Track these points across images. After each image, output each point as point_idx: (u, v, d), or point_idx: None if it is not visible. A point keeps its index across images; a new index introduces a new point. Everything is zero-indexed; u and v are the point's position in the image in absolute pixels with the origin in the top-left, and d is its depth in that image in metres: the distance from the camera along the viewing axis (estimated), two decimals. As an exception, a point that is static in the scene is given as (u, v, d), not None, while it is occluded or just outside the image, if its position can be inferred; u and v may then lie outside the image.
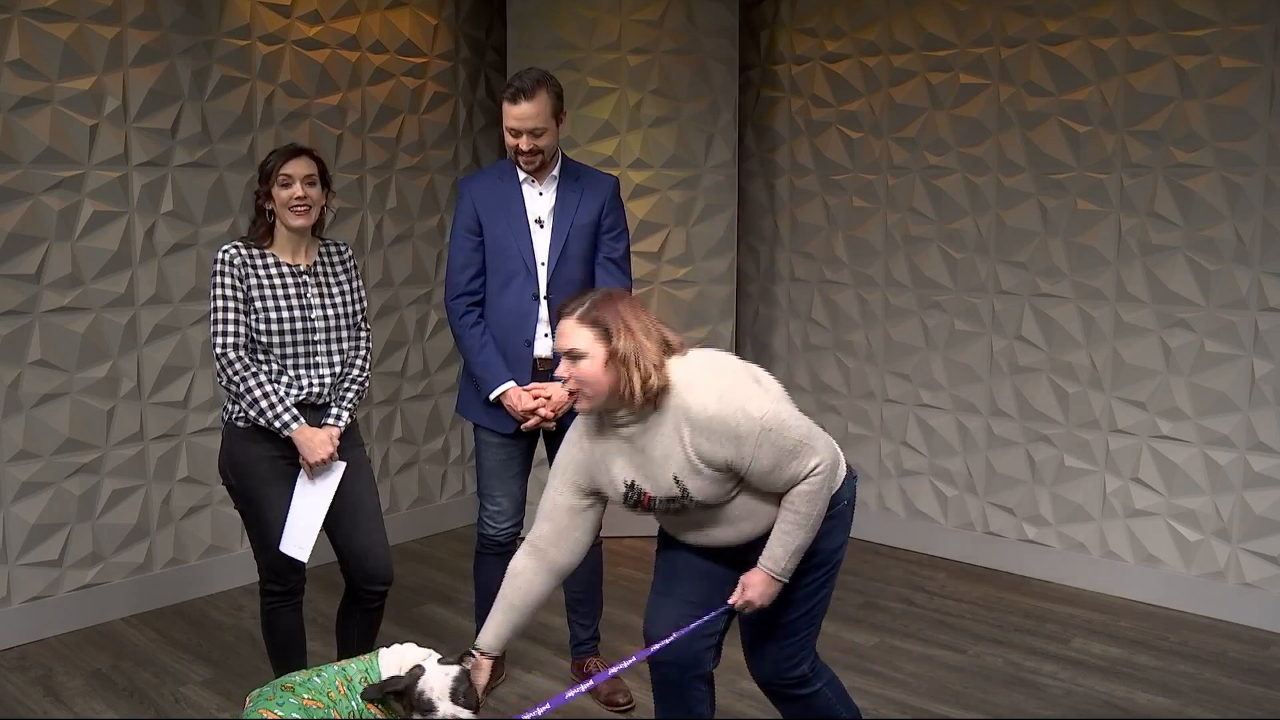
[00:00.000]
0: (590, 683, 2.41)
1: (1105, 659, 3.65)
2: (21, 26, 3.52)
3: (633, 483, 2.30)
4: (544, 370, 3.15)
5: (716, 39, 4.71)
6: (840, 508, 2.40)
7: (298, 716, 2.16)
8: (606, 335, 2.19)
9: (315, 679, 2.28)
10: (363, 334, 2.99)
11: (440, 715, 2.25)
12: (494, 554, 3.30)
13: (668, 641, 2.38)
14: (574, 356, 2.21)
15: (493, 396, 3.12)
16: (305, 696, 2.20)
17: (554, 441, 3.25)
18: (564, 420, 3.16)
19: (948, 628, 3.92)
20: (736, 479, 2.27)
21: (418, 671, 2.29)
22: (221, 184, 4.07)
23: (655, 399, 2.21)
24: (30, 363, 3.66)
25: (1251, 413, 3.84)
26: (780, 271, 5.07)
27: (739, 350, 5.08)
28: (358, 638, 3.13)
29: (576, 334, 2.21)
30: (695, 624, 2.39)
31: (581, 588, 3.38)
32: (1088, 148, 4.08)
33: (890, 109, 4.58)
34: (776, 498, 2.29)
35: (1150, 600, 4.11)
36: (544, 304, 3.14)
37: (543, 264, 3.13)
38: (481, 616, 3.37)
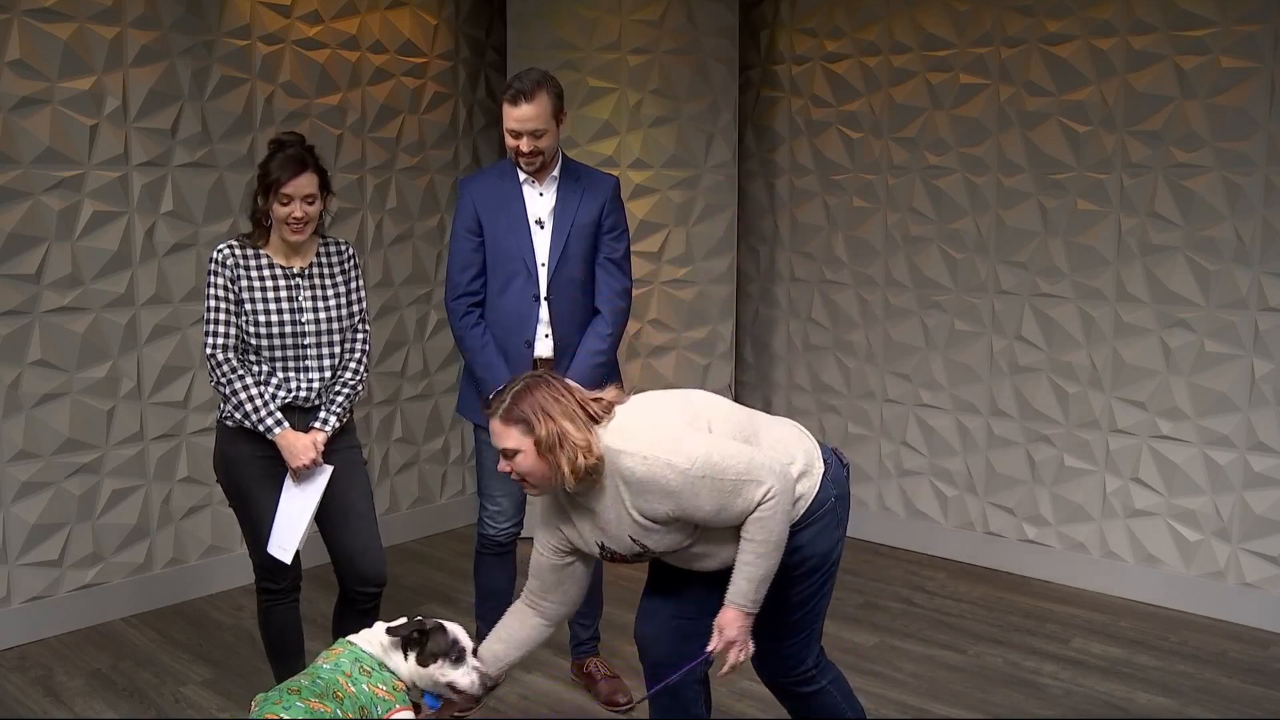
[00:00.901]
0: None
1: (1105, 659, 3.65)
2: (21, 26, 3.52)
3: (602, 544, 2.35)
4: (544, 370, 3.16)
5: (716, 39, 4.71)
6: (828, 506, 2.37)
7: (304, 718, 2.17)
8: (530, 428, 2.21)
9: (318, 680, 2.29)
10: (360, 335, 2.96)
11: (469, 665, 2.38)
12: (494, 554, 3.30)
13: (660, 686, 2.42)
14: (508, 454, 2.25)
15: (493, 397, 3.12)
16: (312, 700, 2.21)
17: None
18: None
19: (948, 628, 3.92)
20: (691, 525, 2.26)
21: (438, 623, 2.37)
22: (221, 184, 4.07)
23: (592, 474, 2.22)
24: (30, 363, 3.66)
25: (1251, 413, 3.84)
26: (780, 271, 5.06)
27: (739, 350, 5.09)
28: (356, 639, 3.13)
29: (505, 434, 2.25)
30: (680, 673, 2.40)
31: (582, 588, 3.39)
32: (1088, 148, 4.08)
33: (890, 109, 4.58)
34: (745, 514, 2.26)
35: (1150, 600, 4.11)
36: (544, 305, 3.13)
37: (543, 264, 3.13)
38: (481, 616, 3.39)
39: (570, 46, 4.59)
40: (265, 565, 2.90)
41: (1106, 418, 4.16)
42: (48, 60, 3.59)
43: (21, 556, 3.70)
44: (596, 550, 2.37)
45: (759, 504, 2.19)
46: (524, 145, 3.02)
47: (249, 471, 2.84)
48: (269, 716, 2.16)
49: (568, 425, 2.21)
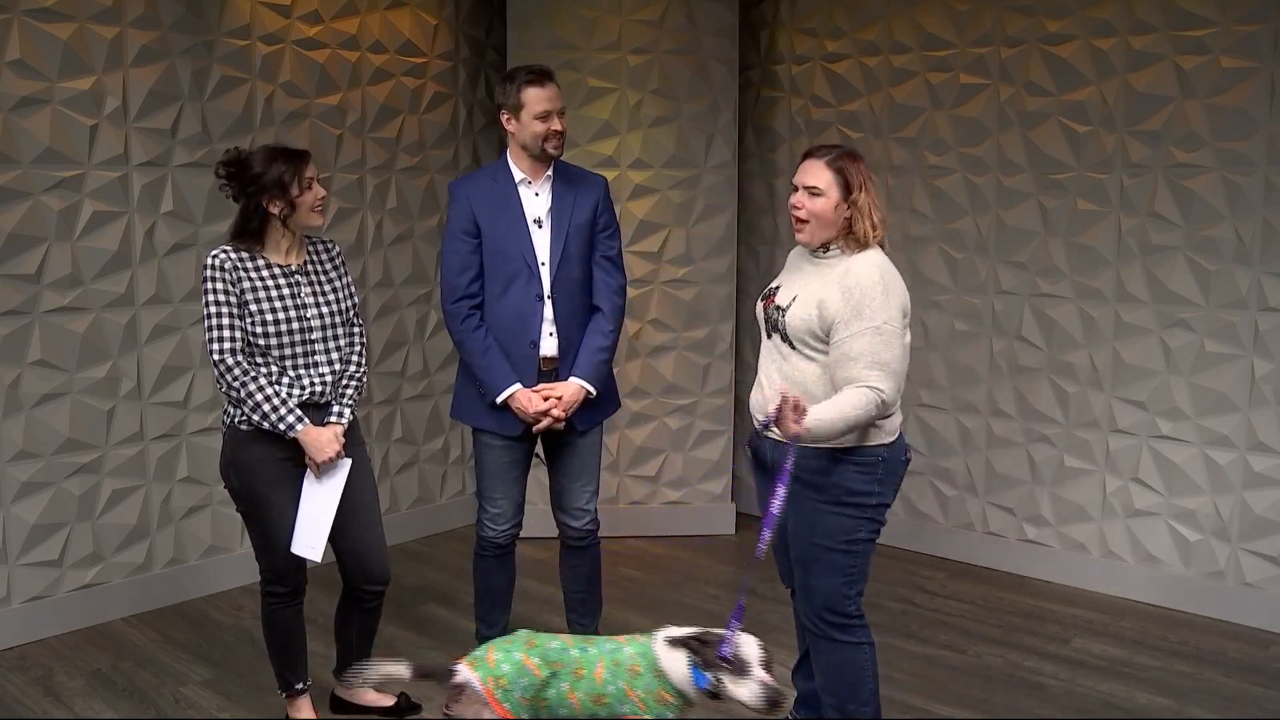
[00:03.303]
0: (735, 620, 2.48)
1: (1105, 659, 3.65)
2: (21, 26, 3.52)
3: (777, 287, 2.73)
4: (548, 370, 3.15)
5: (716, 39, 4.71)
6: (875, 459, 2.59)
7: (507, 669, 2.26)
8: (847, 185, 2.57)
9: (573, 650, 2.33)
10: (356, 330, 2.99)
11: (754, 676, 2.33)
12: (493, 555, 3.30)
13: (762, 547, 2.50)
14: (813, 192, 2.58)
15: (500, 399, 3.11)
16: (533, 659, 2.26)
17: (552, 441, 3.25)
18: (574, 419, 3.16)
19: (948, 628, 3.92)
20: (822, 349, 2.55)
21: (719, 635, 2.36)
22: (221, 184, 4.06)
23: (858, 241, 2.58)
24: (30, 363, 3.66)
25: (1251, 413, 3.84)
26: (780, 272, 5.05)
27: (739, 350, 5.09)
28: (357, 637, 3.14)
29: (818, 174, 2.59)
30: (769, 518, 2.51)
31: (581, 588, 3.38)
32: (1088, 148, 4.08)
33: (890, 109, 4.58)
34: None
35: (1150, 600, 4.11)
36: (548, 304, 3.13)
37: (544, 264, 3.13)
38: (482, 617, 3.39)
39: (570, 46, 4.60)
40: (277, 569, 2.90)
41: (1106, 418, 4.16)
42: (48, 60, 3.59)
43: (21, 556, 3.70)
44: (773, 287, 2.75)
45: (868, 385, 2.46)
46: (557, 124, 3.09)
47: (266, 475, 2.83)
48: (490, 647, 2.34)
49: (875, 207, 2.59)
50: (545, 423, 3.10)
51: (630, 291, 4.71)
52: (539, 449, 3.30)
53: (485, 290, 3.14)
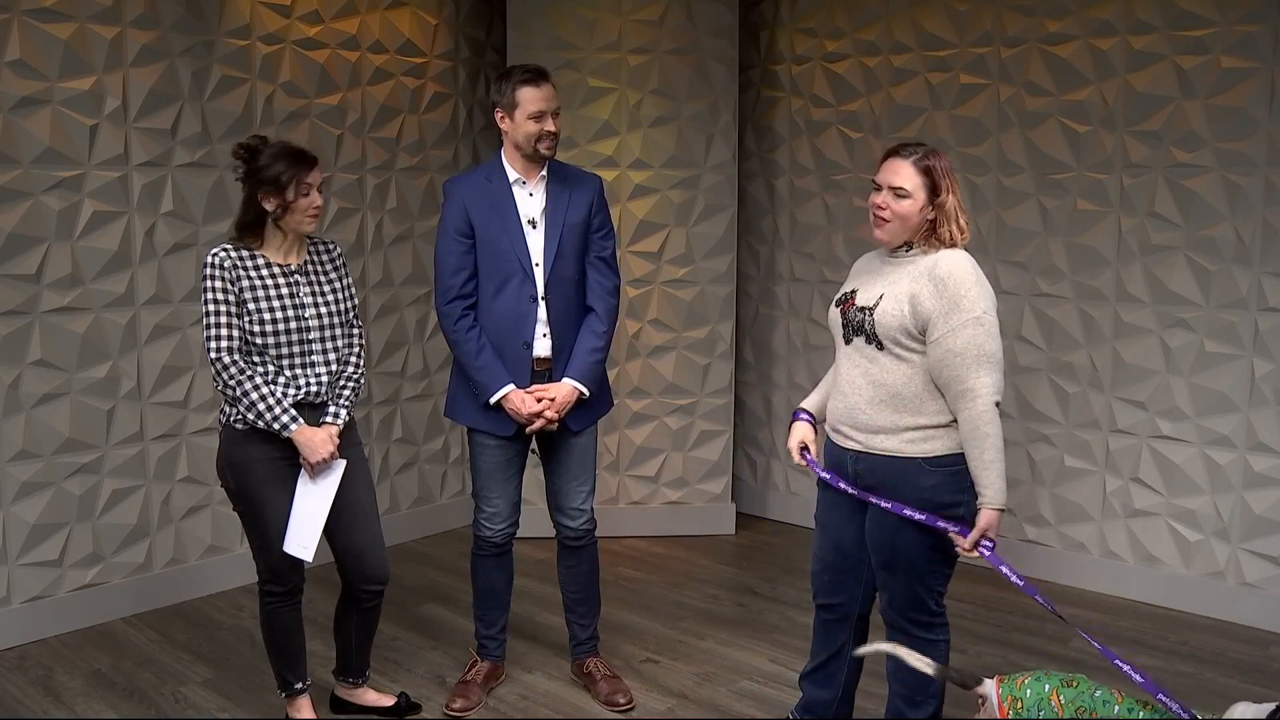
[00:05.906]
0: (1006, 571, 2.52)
1: (1105, 659, 3.64)
2: (21, 26, 3.52)
3: (854, 291, 2.65)
4: (541, 371, 3.15)
5: (716, 39, 4.71)
6: (961, 468, 2.52)
7: (1029, 694, 2.25)
8: (934, 186, 2.51)
9: (1119, 708, 2.24)
10: (355, 331, 2.99)
11: None
12: (491, 555, 3.30)
13: (1021, 583, 2.50)
14: (899, 193, 2.52)
15: (494, 400, 3.11)
16: (1063, 698, 2.25)
17: (548, 441, 3.25)
18: (568, 419, 3.16)
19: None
20: (915, 348, 2.50)
21: None
22: (221, 184, 4.07)
23: (941, 242, 2.54)
24: (30, 363, 3.66)
25: (1251, 413, 3.84)
26: (780, 271, 5.06)
27: (739, 350, 5.09)
28: (356, 637, 3.14)
29: (903, 174, 2.52)
30: (1011, 575, 2.49)
31: (580, 588, 3.38)
32: (1088, 148, 4.08)
33: (890, 109, 4.58)
34: (918, 406, 2.52)
35: (1150, 600, 4.11)
36: (543, 305, 3.12)
37: (538, 264, 3.12)
38: (481, 617, 3.39)
39: (570, 46, 4.60)
40: (274, 568, 2.90)
41: (1106, 418, 4.16)
42: (48, 60, 3.59)
43: (21, 556, 3.70)
44: (840, 294, 2.69)
45: (974, 391, 2.43)
46: (551, 125, 3.07)
47: (261, 474, 2.84)
48: (1025, 674, 2.33)
49: (961, 209, 2.54)
50: (539, 424, 3.10)
51: (630, 291, 4.75)
52: (534, 446, 3.30)
53: (479, 291, 3.13)
